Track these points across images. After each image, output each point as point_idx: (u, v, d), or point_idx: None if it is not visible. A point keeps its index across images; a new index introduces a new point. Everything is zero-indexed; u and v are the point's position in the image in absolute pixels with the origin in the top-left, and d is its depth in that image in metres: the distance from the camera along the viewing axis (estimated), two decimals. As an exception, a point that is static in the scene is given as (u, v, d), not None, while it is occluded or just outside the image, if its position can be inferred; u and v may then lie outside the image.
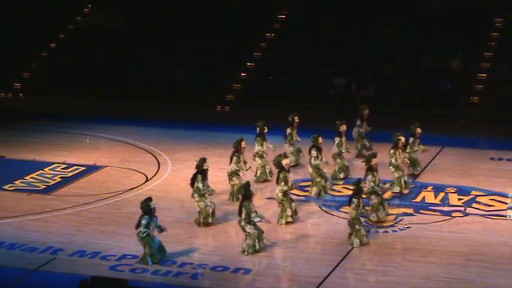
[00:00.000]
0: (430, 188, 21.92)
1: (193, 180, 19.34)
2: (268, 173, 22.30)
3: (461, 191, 21.75)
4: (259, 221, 17.69)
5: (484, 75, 32.06)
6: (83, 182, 22.76)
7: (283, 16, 36.07)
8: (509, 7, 33.62)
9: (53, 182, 22.65)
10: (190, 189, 19.62)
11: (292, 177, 19.97)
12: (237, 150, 21.06)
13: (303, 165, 23.25)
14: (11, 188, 22.20)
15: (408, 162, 22.50)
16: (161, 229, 17.32)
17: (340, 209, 20.45)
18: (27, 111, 31.43)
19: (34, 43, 36.14)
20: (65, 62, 35.60)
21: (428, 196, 21.39)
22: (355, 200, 18.13)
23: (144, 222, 17.09)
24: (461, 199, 21.15)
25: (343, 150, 22.76)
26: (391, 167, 21.47)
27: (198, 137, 27.21)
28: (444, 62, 32.44)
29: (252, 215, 17.59)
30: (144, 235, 17.10)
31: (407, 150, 22.36)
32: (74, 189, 22.21)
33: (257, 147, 22.40)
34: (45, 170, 23.67)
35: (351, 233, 18.23)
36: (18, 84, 35.45)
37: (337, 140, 22.70)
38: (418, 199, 21.21)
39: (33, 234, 18.88)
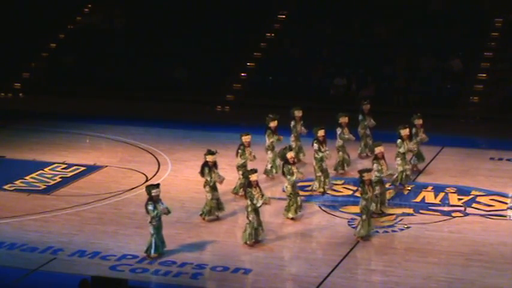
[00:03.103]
0: (430, 188, 21.91)
1: (201, 171, 19.49)
2: (277, 167, 22.35)
3: (461, 191, 21.74)
4: (261, 205, 17.86)
5: (484, 75, 32.05)
6: (83, 182, 22.76)
7: (283, 16, 36.06)
8: (509, 7, 33.60)
9: (53, 182, 22.65)
10: (190, 189, 19.70)
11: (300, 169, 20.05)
12: (242, 144, 21.14)
13: (303, 164, 23.23)
14: (11, 188, 22.21)
15: (415, 150, 22.59)
16: (168, 211, 17.49)
17: (340, 209, 20.45)
18: (27, 111, 31.40)
19: (34, 43, 36.13)
20: (65, 62, 35.60)
21: (428, 196, 21.38)
22: (360, 189, 18.25)
23: (150, 208, 17.32)
24: (461, 199, 21.14)
25: (347, 137, 22.80)
26: (398, 159, 21.46)
27: (198, 137, 27.19)
28: (444, 62, 32.43)
29: (254, 201, 17.72)
30: (157, 222, 17.28)
31: (414, 140, 22.44)
32: (74, 189, 22.21)
33: (268, 141, 22.47)
34: (45, 170, 23.67)
35: (358, 223, 18.34)
36: (18, 84, 35.44)
37: (338, 131, 22.76)
38: (418, 199, 21.20)
39: (33, 234, 18.88)
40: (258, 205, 17.90)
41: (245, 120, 28.82)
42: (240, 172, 21.03)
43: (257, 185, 18.06)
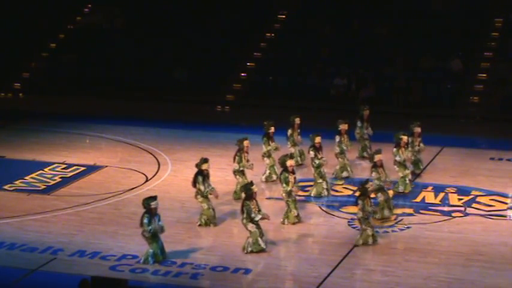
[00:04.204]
0: (430, 188, 21.91)
1: (194, 181, 19.36)
2: (276, 173, 22.28)
3: (461, 191, 21.74)
4: (260, 219, 17.71)
5: (484, 75, 32.06)
6: (83, 182, 22.75)
7: (283, 16, 36.07)
8: (509, 7, 33.62)
9: (53, 182, 22.65)
10: (190, 189, 19.63)
11: (297, 177, 19.95)
12: (240, 149, 21.06)
13: (305, 166, 23.23)
14: (11, 188, 22.20)
15: (412, 159, 22.51)
16: (162, 230, 17.33)
17: (340, 209, 20.45)
18: (27, 111, 31.41)
19: (34, 43, 36.15)
20: (65, 62, 35.61)
21: (428, 196, 21.38)
22: (360, 202, 18.12)
23: (145, 221, 17.11)
24: (461, 199, 21.14)
25: (345, 148, 22.80)
26: (395, 166, 21.43)
27: (198, 137, 27.20)
28: (444, 62, 32.44)
29: (252, 215, 17.63)
30: (149, 235, 17.12)
31: (409, 149, 22.31)
32: (74, 189, 22.20)
33: (264, 148, 22.41)
34: (45, 170, 23.67)
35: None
36: (18, 84, 35.46)
37: (337, 138, 22.73)
38: (418, 199, 21.20)
39: (33, 234, 18.87)
40: (257, 219, 17.79)
41: (245, 120, 28.81)
42: (238, 177, 20.96)
43: (255, 197, 17.95)
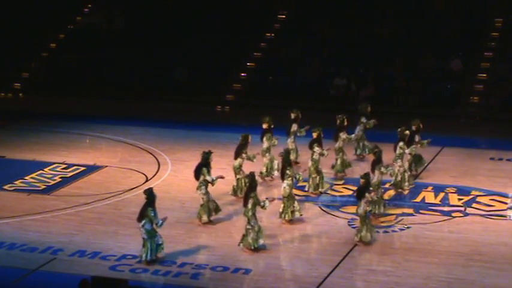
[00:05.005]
0: (430, 188, 21.91)
1: (197, 172, 19.31)
2: (275, 169, 22.26)
3: (461, 191, 21.75)
4: (268, 206, 17.80)
5: (484, 75, 32.07)
6: (83, 182, 22.75)
7: (283, 16, 36.07)
8: (509, 7, 33.62)
9: (53, 182, 22.64)
10: (190, 189, 19.62)
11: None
12: (244, 145, 21.04)
13: (301, 164, 23.22)
14: (11, 188, 22.19)
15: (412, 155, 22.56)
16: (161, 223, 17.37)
17: (340, 209, 20.45)
18: (27, 111, 31.40)
19: (34, 43, 36.14)
20: (65, 62, 35.60)
21: (428, 196, 21.39)
22: (367, 195, 18.11)
23: (152, 214, 17.06)
24: (461, 199, 21.15)
25: (352, 139, 22.84)
26: (398, 161, 21.40)
27: (198, 137, 27.20)
28: (444, 62, 32.45)
29: (261, 204, 17.63)
30: (161, 226, 17.04)
31: (413, 147, 22.33)
32: (74, 189, 22.20)
33: (266, 144, 22.36)
34: (45, 170, 23.67)
35: (360, 228, 18.20)
36: (18, 84, 35.45)
37: (344, 135, 22.72)
38: (418, 199, 21.21)
39: (33, 234, 18.87)
40: (266, 207, 17.77)
41: (245, 120, 28.81)
42: (242, 172, 20.93)
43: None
